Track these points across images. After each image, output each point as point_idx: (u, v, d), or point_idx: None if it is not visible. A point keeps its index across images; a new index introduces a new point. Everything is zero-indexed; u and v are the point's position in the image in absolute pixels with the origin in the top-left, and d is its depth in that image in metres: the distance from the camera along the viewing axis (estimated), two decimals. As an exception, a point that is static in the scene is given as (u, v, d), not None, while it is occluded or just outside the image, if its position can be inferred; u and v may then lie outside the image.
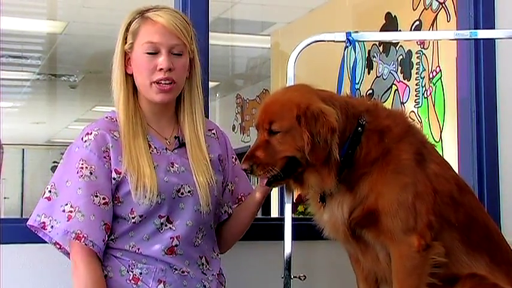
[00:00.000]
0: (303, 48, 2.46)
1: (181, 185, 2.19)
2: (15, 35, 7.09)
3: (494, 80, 3.04)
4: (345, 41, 2.45)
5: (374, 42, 4.72)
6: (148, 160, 2.15)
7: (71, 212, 2.09)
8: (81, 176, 2.12)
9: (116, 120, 2.22)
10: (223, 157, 2.34)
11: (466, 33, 2.62)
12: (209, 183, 2.21)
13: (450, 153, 3.58)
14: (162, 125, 2.26)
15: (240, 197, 2.38)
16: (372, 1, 5.16)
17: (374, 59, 4.91)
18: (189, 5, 2.71)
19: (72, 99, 9.60)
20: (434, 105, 4.28)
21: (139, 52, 2.18)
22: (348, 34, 2.45)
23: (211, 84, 2.77)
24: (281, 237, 2.46)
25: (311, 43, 2.47)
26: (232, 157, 2.39)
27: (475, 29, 2.99)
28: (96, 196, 2.11)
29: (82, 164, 2.13)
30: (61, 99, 9.76)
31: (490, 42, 3.01)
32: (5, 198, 10.69)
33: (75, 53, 7.71)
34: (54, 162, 10.12)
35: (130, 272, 2.15)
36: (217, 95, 9.19)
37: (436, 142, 4.15)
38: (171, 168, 2.20)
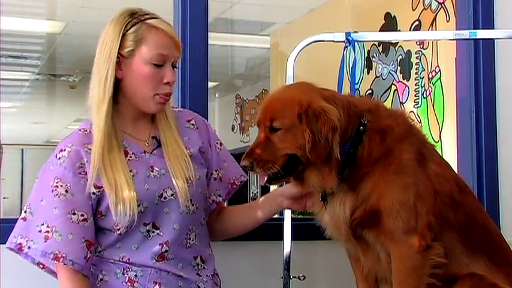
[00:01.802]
0: (303, 48, 2.46)
1: (163, 189, 2.15)
2: (14, 35, 7.09)
3: (494, 80, 3.04)
4: (344, 41, 2.45)
5: (373, 42, 4.72)
6: (126, 174, 2.10)
7: (48, 232, 2.06)
8: (56, 194, 2.08)
9: (90, 132, 2.15)
10: (204, 147, 2.29)
11: (465, 34, 2.63)
12: (190, 180, 2.17)
13: (449, 153, 3.58)
14: (138, 128, 2.21)
15: (232, 181, 2.34)
16: (371, 1, 5.15)
17: (373, 59, 4.91)
18: (188, 5, 2.71)
19: (72, 99, 9.59)
20: (433, 106, 4.28)
21: (144, 61, 2.12)
22: (348, 34, 2.45)
23: (210, 84, 2.78)
24: (280, 237, 2.46)
25: (310, 43, 2.48)
26: (217, 142, 2.35)
27: (474, 29, 3.00)
28: (74, 214, 2.08)
29: (57, 183, 2.09)
30: (60, 99, 9.76)
31: (490, 43, 3.01)
32: (4, 198, 10.68)
33: (75, 53, 7.70)
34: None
35: (125, 275, 2.13)
36: (217, 95, 9.19)
37: (436, 142, 4.15)
38: (151, 173, 2.16)
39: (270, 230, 2.68)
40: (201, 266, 2.22)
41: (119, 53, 2.13)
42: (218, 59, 7.77)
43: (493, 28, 3.03)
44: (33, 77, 8.76)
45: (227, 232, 2.40)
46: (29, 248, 2.08)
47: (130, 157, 2.16)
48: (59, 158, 2.12)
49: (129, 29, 2.13)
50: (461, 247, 2.10)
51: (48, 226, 2.07)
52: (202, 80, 2.73)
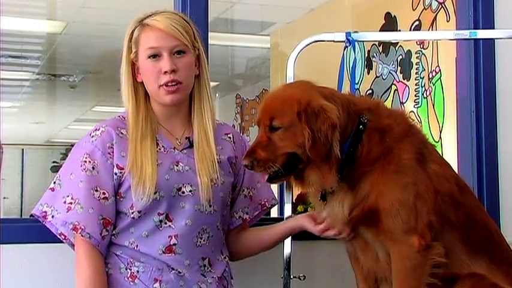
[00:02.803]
0: (303, 48, 2.47)
1: (183, 184, 2.20)
2: (14, 35, 7.09)
3: (494, 79, 3.04)
4: (344, 41, 2.45)
5: (373, 42, 4.72)
6: (153, 159, 2.18)
7: (71, 203, 2.15)
8: (84, 169, 2.18)
9: (125, 119, 2.27)
10: (238, 161, 2.32)
11: (465, 33, 2.63)
12: (213, 182, 2.22)
13: (450, 153, 3.58)
14: (174, 125, 2.29)
15: (263, 202, 2.40)
16: (372, 1, 5.15)
17: (373, 59, 4.91)
18: (188, 5, 2.72)
19: (72, 99, 9.60)
20: (433, 105, 4.28)
21: (143, 59, 2.22)
22: (348, 34, 2.45)
23: (211, 84, 2.77)
24: (281, 237, 2.46)
25: (311, 43, 2.48)
26: None
27: (474, 29, 3.00)
28: (97, 190, 2.17)
29: (86, 158, 2.19)
30: (60, 99, 9.75)
31: (490, 42, 3.01)
32: (4, 198, 10.68)
33: (75, 53, 7.70)
34: (54, 162, 10.12)
35: (128, 270, 2.18)
36: (217, 95, 9.18)
37: (436, 142, 4.15)
38: (175, 166, 2.22)
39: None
40: (208, 268, 2.24)
41: (131, 59, 2.25)
42: (218, 58, 7.77)
43: (493, 28, 3.03)
44: (34, 77, 8.75)
45: (249, 249, 2.42)
46: (52, 217, 2.17)
47: (160, 149, 2.23)
48: (92, 136, 2.23)
49: (133, 34, 2.25)
50: (461, 247, 2.10)
51: (72, 198, 2.16)
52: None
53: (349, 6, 5.50)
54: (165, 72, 2.19)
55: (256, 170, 2.06)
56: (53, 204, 2.18)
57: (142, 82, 2.26)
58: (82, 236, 2.13)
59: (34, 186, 11.08)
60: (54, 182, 2.22)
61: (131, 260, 2.18)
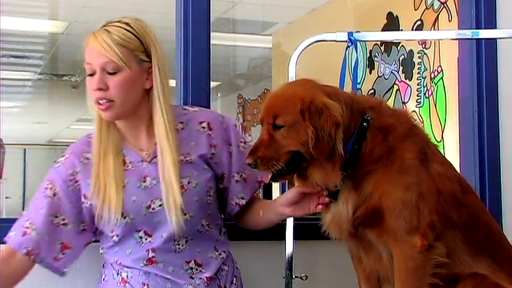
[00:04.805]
0: (305, 48, 2.46)
1: (152, 200, 2.19)
2: (16, 34, 7.10)
3: (496, 79, 3.03)
4: (346, 41, 2.45)
5: (375, 42, 4.72)
6: (117, 179, 2.18)
7: (28, 228, 2.19)
8: (45, 196, 2.22)
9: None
10: (216, 150, 2.28)
11: (467, 33, 2.62)
12: (184, 189, 2.18)
13: (452, 153, 3.58)
14: (139, 137, 2.25)
15: (260, 179, 2.34)
16: (374, 1, 5.15)
17: (375, 58, 4.91)
18: (190, 5, 2.71)
19: (74, 99, 9.60)
20: (435, 105, 4.28)
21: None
22: (350, 34, 2.45)
23: (212, 84, 2.78)
24: (283, 237, 2.46)
25: (312, 43, 2.47)
26: (241, 141, 2.34)
27: (476, 28, 2.99)
28: (56, 217, 2.20)
29: (48, 185, 2.24)
30: (63, 99, 9.77)
31: (492, 42, 3.01)
32: (6, 198, 10.69)
33: (77, 53, 7.68)
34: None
35: (119, 275, 2.23)
36: (219, 95, 9.19)
37: (438, 142, 4.15)
38: (142, 183, 2.21)
39: (272, 230, 2.68)
40: (197, 269, 2.23)
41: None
42: (220, 58, 7.77)
43: (496, 28, 3.02)
44: (36, 76, 8.76)
45: (253, 224, 2.40)
46: (9, 237, 2.21)
47: (127, 166, 2.23)
48: (57, 163, 2.27)
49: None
50: (463, 247, 2.09)
51: (30, 223, 2.20)
52: (204, 80, 2.73)
53: (351, 6, 5.50)
54: (94, 89, 2.16)
55: (259, 168, 2.05)
56: (16, 225, 2.22)
57: None
58: (35, 261, 2.18)
59: (36, 186, 11.06)
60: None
61: (120, 267, 2.24)
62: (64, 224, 2.20)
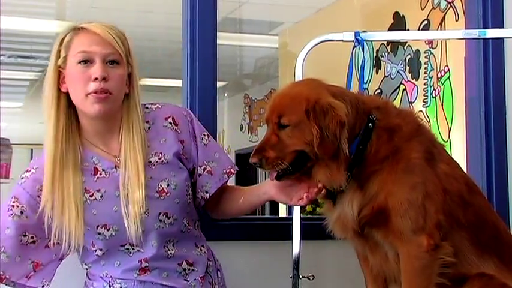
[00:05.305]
0: (311, 48, 2.46)
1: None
2: (23, 35, 7.12)
3: (503, 79, 3.03)
4: (353, 41, 2.45)
5: (382, 42, 4.72)
6: (76, 199, 2.06)
7: None
8: (11, 215, 2.09)
9: None
10: (185, 144, 2.21)
11: (474, 33, 2.62)
12: (162, 196, 2.12)
13: (458, 152, 3.58)
14: (109, 142, 2.15)
15: (228, 170, 2.27)
16: (380, 1, 5.16)
17: (382, 58, 4.91)
18: (197, 4, 2.71)
19: (81, 99, 9.61)
20: (442, 105, 4.28)
21: (73, 64, 2.07)
22: (357, 34, 2.45)
23: (219, 84, 2.78)
24: (289, 237, 2.46)
25: (319, 43, 2.47)
26: (204, 134, 2.27)
27: (483, 28, 2.98)
28: (25, 235, 2.09)
29: (13, 203, 2.10)
30: (69, 99, 9.77)
31: (499, 42, 3.00)
32: (13, 197, 10.70)
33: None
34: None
35: (111, 287, 2.15)
36: (226, 94, 9.20)
37: (445, 142, 4.15)
38: (120, 191, 2.10)
39: (279, 230, 2.68)
40: (189, 269, 2.20)
41: (58, 66, 2.12)
42: (227, 58, 7.78)
43: (503, 27, 3.02)
44: (43, 77, 8.78)
45: (224, 213, 2.35)
46: None
47: (100, 174, 2.12)
48: (22, 178, 2.15)
49: (64, 39, 2.11)
50: (470, 246, 2.09)
51: None
52: (211, 80, 2.73)
53: (357, 5, 5.51)
54: (95, 79, 2.03)
55: (264, 168, 2.04)
56: None
57: (66, 93, 2.10)
58: (6, 284, 2.08)
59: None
60: None
61: (111, 279, 2.15)
62: (33, 242, 2.10)
